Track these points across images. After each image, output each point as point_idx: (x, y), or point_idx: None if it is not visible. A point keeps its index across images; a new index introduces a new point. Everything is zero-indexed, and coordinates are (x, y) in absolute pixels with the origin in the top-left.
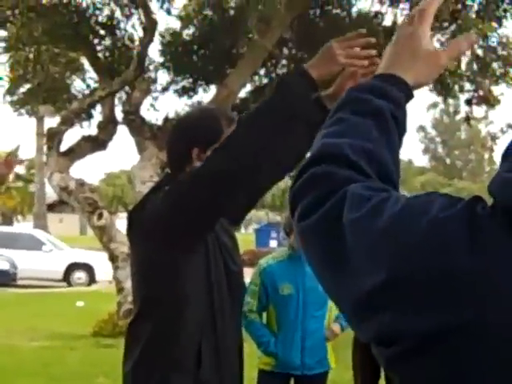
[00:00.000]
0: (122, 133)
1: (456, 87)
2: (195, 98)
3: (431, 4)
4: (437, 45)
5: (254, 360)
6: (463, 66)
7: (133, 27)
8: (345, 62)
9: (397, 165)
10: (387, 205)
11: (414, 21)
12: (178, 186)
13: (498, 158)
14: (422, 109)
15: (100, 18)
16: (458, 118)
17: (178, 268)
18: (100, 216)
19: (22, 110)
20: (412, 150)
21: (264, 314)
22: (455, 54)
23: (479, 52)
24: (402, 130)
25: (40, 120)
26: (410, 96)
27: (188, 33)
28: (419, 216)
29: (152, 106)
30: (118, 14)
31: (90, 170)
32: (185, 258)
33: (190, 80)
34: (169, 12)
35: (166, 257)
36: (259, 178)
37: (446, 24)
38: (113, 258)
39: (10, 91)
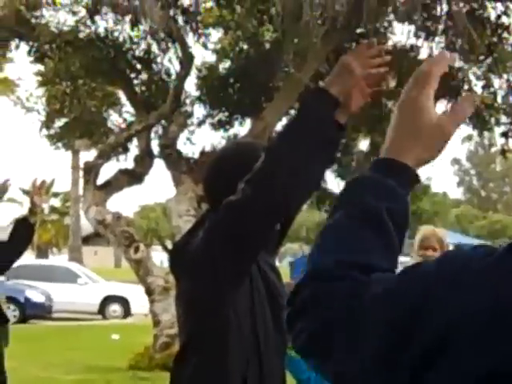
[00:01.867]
0: (158, 166)
1: (492, 120)
2: (231, 132)
3: (437, 65)
4: (472, 78)
5: None
6: (499, 99)
7: (169, 61)
8: (361, 73)
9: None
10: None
11: (415, 86)
12: (217, 221)
13: None
14: (456, 141)
15: (137, 52)
16: (492, 150)
17: (222, 304)
18: (136, 249)
19: (59, 144)
20: (447, 183)
21: None
22: (460, 118)
23: None
24: (401, 223)
25: (76, 153)
26: (413, 181)
27: (224, 66)
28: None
29: (188, 139)
30: (154, 48)
31: (125, 202)
32: (229, 293)
33: (226, 113)
34: (205, 46)
35: (210, 293)
36: (291, 204)
37: (482, 57)
38: (149, 292)
39: (47, 125)
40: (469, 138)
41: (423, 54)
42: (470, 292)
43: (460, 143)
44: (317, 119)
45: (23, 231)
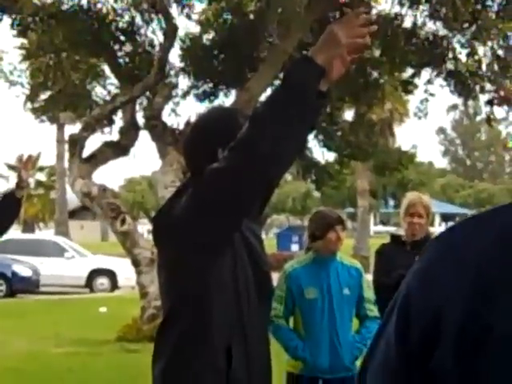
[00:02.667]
0: (144, 138)
1: (476, 88)
2: (216, 102)
3: None
4: (457, 45)
5: (280, 361)
6: (484, 67)
7: (153, 33)
8: (347, 42)
9: None
10: None
11: None
12: (201, 187)
13: None
14: (441, 111)
15: (120, 24)
16: (478, 119)
17: (205, 270)
18: (123, 221)
19: (43, 117)
20: (432, 152)
21: (290, 319)
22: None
23: (500, 52)
24: None
25: (60, 127)
26: None
27: (208, 37)
28: None
29: (173, 111)
30: (138, 19)
31: (110, 176)
32: (212, 259)
33: (211, 84)
34: (189, 17)
35: (193, 259)
36: (274, 171)
37: (466, 25)
38: (136, 263)
39: (31, 98)
40: (454, 107)
41: (407, 23)
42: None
43: (445, 113)
44: (301, 88)
45: (10, 206)
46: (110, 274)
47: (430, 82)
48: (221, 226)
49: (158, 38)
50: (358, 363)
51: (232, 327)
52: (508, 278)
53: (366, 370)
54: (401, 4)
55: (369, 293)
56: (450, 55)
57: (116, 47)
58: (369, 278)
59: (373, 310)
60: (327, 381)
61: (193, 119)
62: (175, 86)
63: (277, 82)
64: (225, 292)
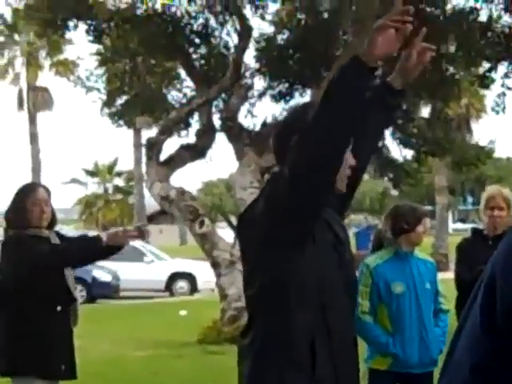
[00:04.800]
0: (220, 140)
1: None
2: (292, 103)
3: None
4: None
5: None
6: None
7: (227, 34)
8: (391, 26)
9: None
10: None
11: None
12: (276, 183)
13: None
14: None
15: (195, 27)
16: None
17: (287, 263)
18: (202, 223)
19: (120, 122)
20: (511, 147)
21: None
22: None
23: None
24: None
25: (137, 131)
26: None
27: (282, 37)
28: None
29: (249, 112)
30: (212, 21)
31: (188, 179)
32: (294, 251)
33: (287, 85)
34: (263, 17)
35: (275, 252)
36: (325, 175)
37: None
38: (215, 266)
39: (108, 103)
40: None
41: (483, 16)
42: None
43: None
44: (347, 87)
45: (95, 249)
46: (190, 278)
47: (506, 75)
48: (299, 216)
49: (233, 39)
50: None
51: (315, 323)
52: None
53: (452, 352)
54: None
55: (440, 286)
56: None
57: (191, 50)
58: (449, 275)
59: (445, 304)
60: (413, 375)
61: (269, 120)
62: (251, 87)
63: None
64: (307, 286)
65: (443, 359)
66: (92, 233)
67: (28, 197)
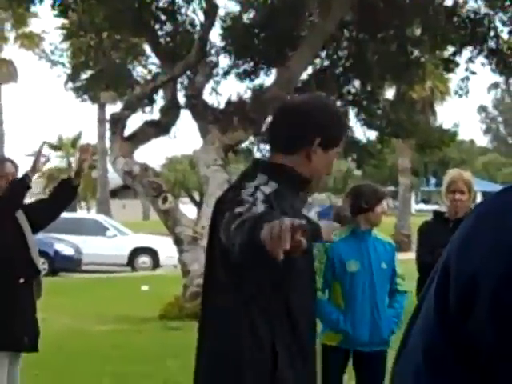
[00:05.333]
0: (185, 117)
1: None
2: (257, 81)
3: None
4: (498, 24)
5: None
6: None
7: (194, 12)
8: None
9: None
10: None
11: None
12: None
13: None
14: (483, 89)
15: (161, 4)
16: None
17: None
18: (165, 199)
19: (85, 96)
20: (473, 131)
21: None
22: None
23: None
24: None
25: (102, 106)
26: None
27: (248, 16)
28: None
29: (214, 89)
30: None
31: (152, 155)
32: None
33: (252, 63)
34: None
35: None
36: None
37: (507, 3)
38: (178, 242)
39: (72, 78)
40: (495, 85)
41: (448, 1)
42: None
43: (486, 91)
44: None
45: (66, 192)
46: (152, 253)
47: (471, 60)
48: None
49: (199, 17)
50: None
51: (277, 317)
52: None
53: (408, 334)
54: None
55: (399, 268)
56: (492, 33)
57: (157, 26)
58: (411, 256)
59: (402, 285)
60: (364, 354)
61: (233, 98)
62: (216, 65)
63: (317, 61)
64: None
65: (396, 340)
66: None
67: None
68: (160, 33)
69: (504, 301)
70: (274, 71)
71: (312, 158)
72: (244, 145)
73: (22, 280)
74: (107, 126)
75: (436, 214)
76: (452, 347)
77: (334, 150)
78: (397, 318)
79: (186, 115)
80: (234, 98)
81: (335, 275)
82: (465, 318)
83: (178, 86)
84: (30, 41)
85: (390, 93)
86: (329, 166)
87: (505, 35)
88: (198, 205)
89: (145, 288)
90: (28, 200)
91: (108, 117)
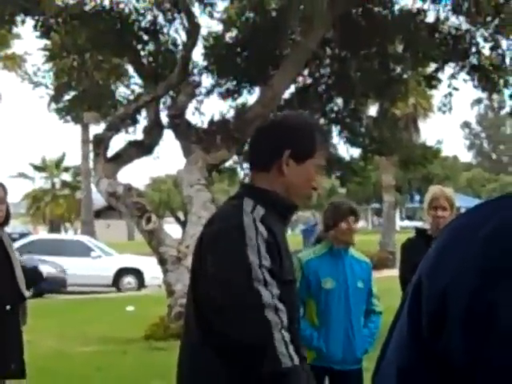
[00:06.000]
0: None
1: (501, 82)
2: (240, 100)
3: None
4: (480, 40)
5: None
6: (507, 60)
7: (176, 32)
8: None
9: None
10: None
11: None
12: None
13: None
14: (466, 105)
15: (143, 24)
16: (502, 113)
17: None
18: (148, 220)
19: (68, 118)
20: (457, 147)
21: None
22: None
23: None
24: None
25: (85, 127)
26: None
27: (231, 35)
28: None
29: (197, 109)
30: (160, 18)
31: (135, 175)
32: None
33: (234, 82)
34: (211, 15)
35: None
36: None
37: (489, 18)
38: (162, 262)
39: (55, 99)
40: (478, 101)
41: (430, 17)
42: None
43: (470, 107)
44: None
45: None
46: (137, 273)
47: (453, 76)
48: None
49: (181, 36)
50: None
51: None
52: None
53: (382, 358)
54: None
55: (375, 288)
56: (474, 49)
57: (139, 47)
58: (395, 273)
59: (378, 306)
60: (337, 372)
61: (216, 118)
62: (199, 84)
63: (299, 79)
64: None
65: (371, 358)
66: (40, 228)
67: None
68: (142, 53)
69: (475, 315)
70: (256, 90)
71: (284, 171)
72: (228, 164)
73: (8, 307)
74: (91, 146)
75: (418, 231)
76: (425, 365)
77: (309, 161)
78: (371, 338)
79: (169, 135)
80: (217, 117)
81: (310, 292)
82: (437, 335)
83: (161, 106)
84: (13, 62)
85: (372, 110)
86: (309, 180)
87: (486, 51)
88: (183, 224)
89: (130, 308)
90: (12, 222)
91: (91, 137)
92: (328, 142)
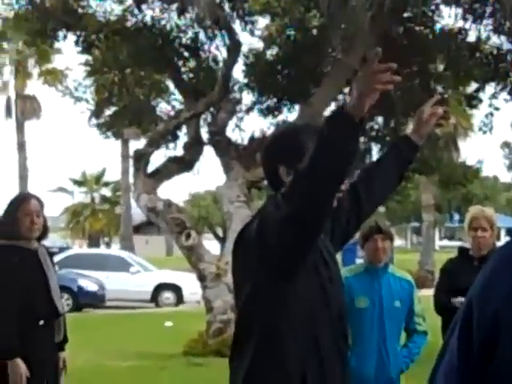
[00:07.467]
0: (208, 154)
1: None
2: (280, 118)
3: None
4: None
5: None
6: None
7: (217, 49)
8: (370, 92)
9: None
10: None
11: None
12: (267, 218)
13: None
14: (506, 125)
15: (184, 40)
16: None
17: (276, 292)
18: (188, 236)
19: (108, 133)
20: (497, 167)
21: None
22: None
23: None
24: None
25: (125, 142)
26: None
27: (272, 53)
28: None
29: (237, 126)
30: (201, 35)
31: (175, 191)
32: (283, 284)
33: (275, 100)
34: (252, 33)
35: (265, 280)
36: (317, 214)
37: None
38: (201, 278)
39: (96, 114)
40: None
41: (471, 37)
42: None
43: (510, 127)
44: (335, 143)
45: None
46: (176, 289)
47: (494, 96)
48: (290, 253)
49: (222, 53)
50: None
51: (307, 352)
52: None
53: (433, 378)
54: (464, 18)
55: (419, 307)
56: None
57: (180, 63)
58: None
59: (421, 325)
60: None
61: (257, 135)
62: (239, 101)
63: (340, 97)
64: (298, 317)
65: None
66: (78, 242)
67: (20, 207)
68: (183, 69)
69: None
70: (297, 107)
71: None
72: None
73: (41, 322)
74: (130, 162)
75: (461, 250)
76: None
77: None
78: (408, 358)
79: (209, 151)
80: (257, 135)
81: None
82: (489, 357)
83: (202, 123)
84: (54, 77)
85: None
86: None
87: None
88: (222, 241)
89: (168, 324)
90: (52, 236)
91: (131, 153)
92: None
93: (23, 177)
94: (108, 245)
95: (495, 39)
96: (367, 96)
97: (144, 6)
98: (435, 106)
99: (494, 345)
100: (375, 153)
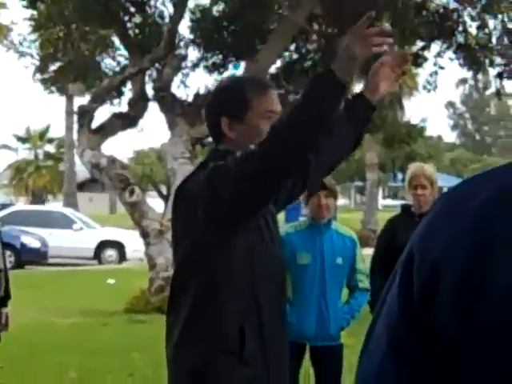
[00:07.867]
0: (153, 110)
1: (486, 61)
2: (225, 74)
3: None
4: (467, 19)
5: None
6: (494, 40)
7: (163, 4)
8: (361, 54)
9: None
10: None
11: None
12: (221, 171)
13: None
14: (451, 84)
15: None
16: (487, 93)
17: (219, 246)
18: (132, 192)
19: (53, 88)
20: (441, 127)
21: None
22: None
23: (510, 25)
24: None
25: (70, 98)
26: None
27: (218, 9)
28: None
29: (182, 82)
30: None
31: (119, 148)
32: (226, 238)
33: (220, 56)
34: None
35: (208, 234)
36: (285, 177)
37: None
38: (144, 235)
39: (41, 69)
40: (463, 80)
41: None
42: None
43: (454, 86)
44: (319, 103)
45: None
46: (119, 246)
47: (439, 55)
48: (236, 213)
49: (168, 9)
50: (343, 334)
51: (246, 307)
52: (506, 235)
53: (372, 328)
54: None
55: (361, 264)
56: (460, 28)
57: (126, 18)
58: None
59: (364, 282)
60: (313, 348)
61: (202, 91)
62: (185, 57)
63: (286, 54)
64: (238, 271)
65: (352, 335)
66: (22, 198)
67: None
68: (129, 25)
69: (466, 286)
70: (242, 64)
71: (232, 137)
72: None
73: None
74: (75, 118)
75: (404, 208)
76: (416, 337)
77: (249, 115)
78: (349, 314)
79: (153, 108)
80: (203, 91)
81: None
82: (428, 307)
83: (147, 79)
84: None
85: (358, 87)
86: (258, 131)
87: (473, 30)
88: (165, 199)
89: (111, 281)
90: None
91: (76, 109)
92: (271, 86)
93: None
94: (49, 202)
95: None
96: (358, 58)
97: None
98: (405, 62)
99: (433, 293)
100: None
